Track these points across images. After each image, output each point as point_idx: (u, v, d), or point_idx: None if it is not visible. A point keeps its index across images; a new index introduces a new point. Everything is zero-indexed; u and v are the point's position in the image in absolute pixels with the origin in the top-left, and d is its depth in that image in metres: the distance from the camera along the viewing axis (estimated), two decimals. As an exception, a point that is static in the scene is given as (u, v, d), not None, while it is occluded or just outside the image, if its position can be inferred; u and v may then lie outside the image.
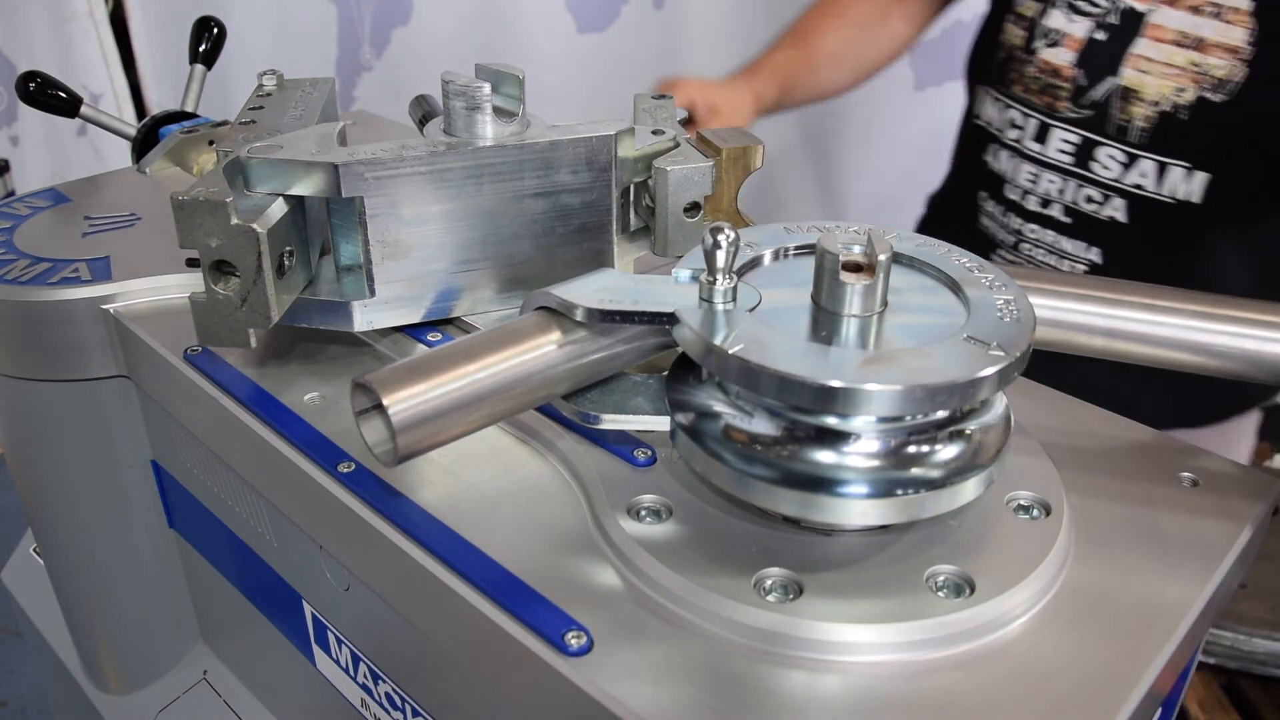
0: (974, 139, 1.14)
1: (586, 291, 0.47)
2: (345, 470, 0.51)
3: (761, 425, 0.44)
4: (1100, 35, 0.97)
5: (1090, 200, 1.02)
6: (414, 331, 0.61)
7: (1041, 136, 1.03)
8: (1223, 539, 0.49)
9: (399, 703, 0.56)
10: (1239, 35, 0.90)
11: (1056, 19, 1.00)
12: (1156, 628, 0.43)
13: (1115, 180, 1.00)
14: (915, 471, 0.43)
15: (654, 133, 0.62)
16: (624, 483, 0.49)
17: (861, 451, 0.43)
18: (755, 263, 0.50)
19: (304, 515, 0.54)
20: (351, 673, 0.59)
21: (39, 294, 0.64)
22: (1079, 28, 0.99)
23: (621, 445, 0.51)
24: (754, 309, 0.45)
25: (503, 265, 0.60)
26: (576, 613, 0.42)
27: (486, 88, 0.57)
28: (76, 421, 0.68)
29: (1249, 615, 1.56)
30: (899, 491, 0.42)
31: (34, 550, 0.91)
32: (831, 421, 0.43)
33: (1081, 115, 1.00)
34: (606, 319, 0.46)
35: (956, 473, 0.43)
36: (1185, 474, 0.53)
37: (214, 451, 0.61)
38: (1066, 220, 1.05)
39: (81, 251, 0.69)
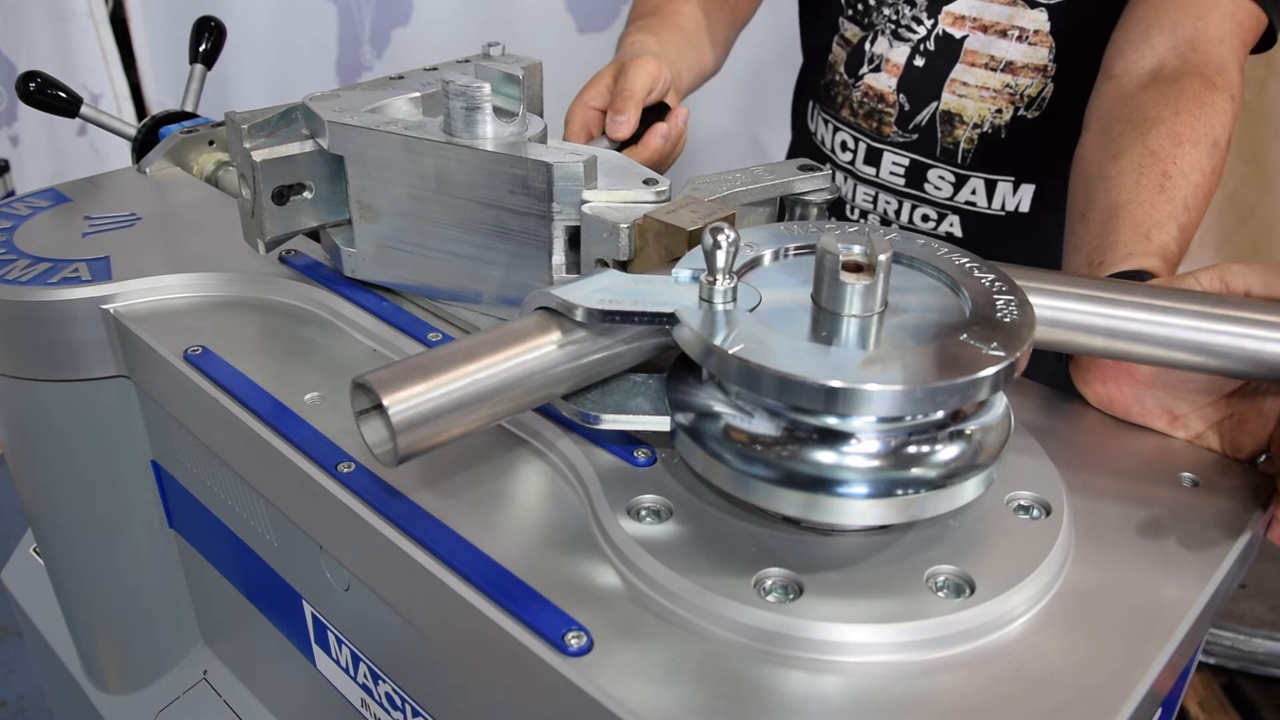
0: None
1: (587, 292, 0.47)
2: (345, 470, 0.51)
3: (761, 425, 0.44)
4: (919, 61, 1.01)
5: (926, 219, 1.06)
6: (413, 331, 0.61)
7: (872, 160, 1.07)
8: (1223, 539, 0.49)
9: (399, 703, 0.56)
10: (1043, 55, 0.95)
11: (880, 45, 1.03)
12: (1156, 628, 0.43)
13: (948, 200, 1.05)
14: (915, 472, 0.42)
15: (646, 181, 0.57)
16: (624, 483, 0.49)
17: (861, 452, 0.43)
18: (755, 263, 0.50)
19: (304, 515, 0.54)
20: (351, 673, 0.59)
21: (39, 294, 0.64)
22: (898, 54, 1.01)
23: (621, 445, 0.51)
24: (754, 309, 0.45)
25: (461, 262, 0.61)
26: (576, 613, 0.42)
27: (486, 88, 0.57)
28: (76, 421, 0.68)
29: (1249, 615, 1.56)
30: (899, 492, 0.42)
31: (34, 550, 0.91)
32: (832, 422, 0.43)
33: (908, 139, 1.03)
34: (607, 319, 0.46)
35: (956, 473, 0.43)
36: (1185, 474, 0.53)
37: (214, 451, 0.61)
38: None
39: (81, 251, 0.69)
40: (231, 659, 0.77)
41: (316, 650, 0.62)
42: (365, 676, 0.58)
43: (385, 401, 0.41)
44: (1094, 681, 0.40)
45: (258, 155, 0.59)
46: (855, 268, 0.44)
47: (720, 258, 0.44)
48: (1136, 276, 0.61)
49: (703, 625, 0.42)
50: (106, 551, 0.74)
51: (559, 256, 0.58)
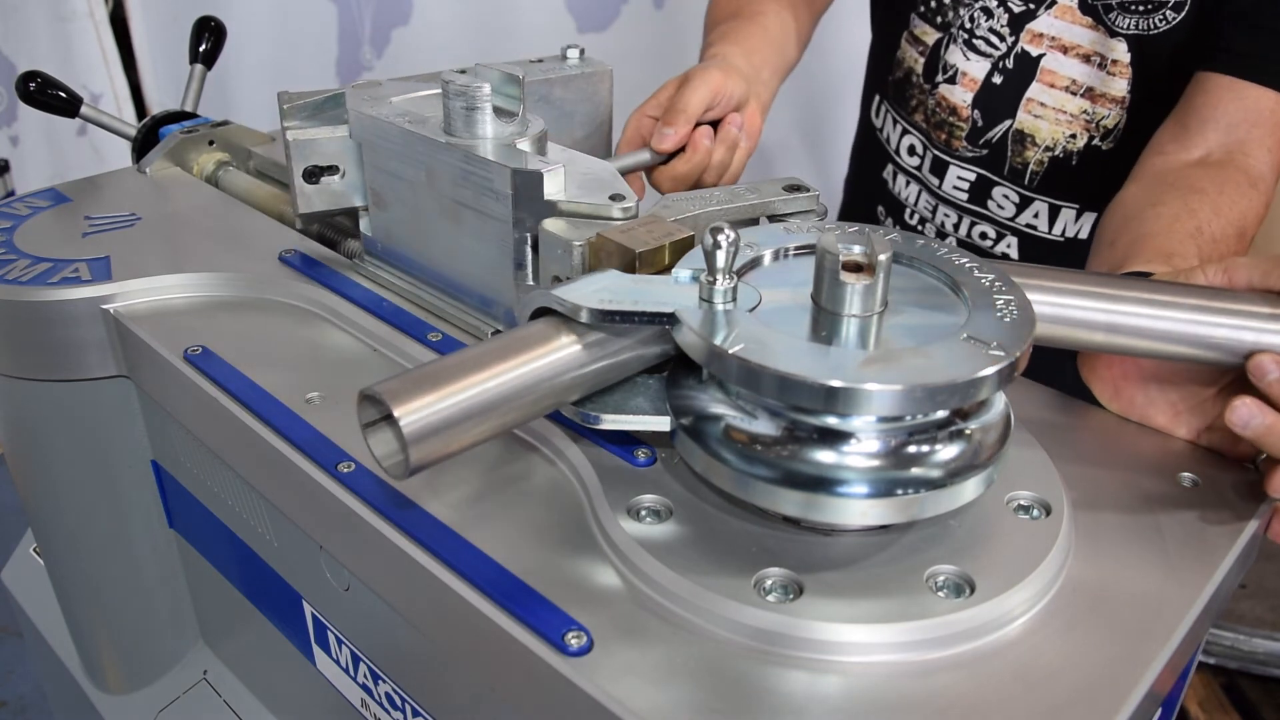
0: (873, 152, 1.14)
1: (587, 292, 0.47)
2: (345, 470, 0.50)
3: (762, 425, 0.44)
4: (997, 79, 0.99)
5: (985, 237, 1.04)
6: (413, 331, 0.61)
7: (938, 170, 1.04)
8: (1223, 539, 0.49)
9: (399, 703, 0.56)
10: (1121, 86, 0.94)
11: (954, 55, 1.00)
12: (1156, 628, 0.43)
13: (1010, 220, 1.03)
14: (915, 471, 0.42)
15: (612, 197, 0.56)
16: (624, 483, 0.49)
17: (862, 451, 0.43)
18: (755, 263, 0.50)
19: (304, 515, 0.54)
20: (351, 673, 0.59)
21: (39, 294, 0.64)
22: (976, 68, 0.99)
23: (621, 445, 0.51)
24: (754, 309, 0.45)
25: (450, 259, 0.62)
26: (576, 613, 0.42)
27: (486, 88, 0.57)
28: (76, 421, 0.68)
29: (1249, 615, 1.56)
30: (899, 491, 0.42)
31: (34, 550, 0.91)
32: (832, 421, 0.43)
33: (978, 154, 1.01)
34: (607, 319, 0.46)
35: (956, 473, 0.43)
36: (1185, 474, 0.53)
37: (214, 451, 0.61)
38: None
39: (81, 251, 0.69)
40: (231, 659, 0.77)
41: (316, 650, 0.62)
42: (365, 676, 0.58)
43: (396, 412, 0.41)
44: (1094, 681, 0.40)
45: (291, 134, 0.64)
46: (855, 268, 0.44)
47: (720, 258, 0.44)
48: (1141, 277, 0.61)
49: (703, 625, 0.42)
50: (106, 551, 0.74)
51: (527, 264, 0.57)
